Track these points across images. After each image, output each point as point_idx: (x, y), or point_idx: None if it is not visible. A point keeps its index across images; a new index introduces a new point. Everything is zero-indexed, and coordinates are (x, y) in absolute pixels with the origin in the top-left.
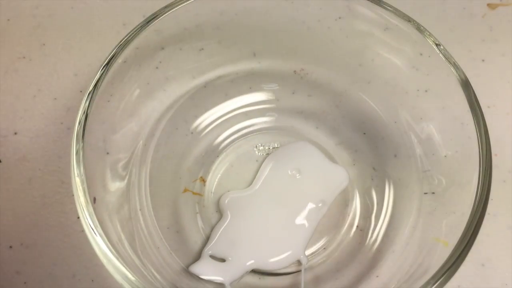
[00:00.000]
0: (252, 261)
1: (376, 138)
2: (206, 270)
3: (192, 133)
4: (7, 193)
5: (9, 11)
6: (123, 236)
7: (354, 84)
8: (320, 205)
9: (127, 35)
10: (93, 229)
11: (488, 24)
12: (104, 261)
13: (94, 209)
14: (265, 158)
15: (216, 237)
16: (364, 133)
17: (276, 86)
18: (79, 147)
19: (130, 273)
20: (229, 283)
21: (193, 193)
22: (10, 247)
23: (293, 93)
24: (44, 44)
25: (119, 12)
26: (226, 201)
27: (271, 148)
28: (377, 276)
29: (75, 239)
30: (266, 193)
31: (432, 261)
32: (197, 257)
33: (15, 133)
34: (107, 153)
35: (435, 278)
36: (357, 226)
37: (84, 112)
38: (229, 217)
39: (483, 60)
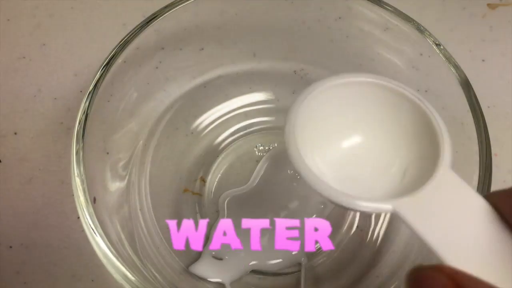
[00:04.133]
0: (252, 262)
1: None
2: (206, 270)
3: (192, 133)
4: (7, 193)
5: (9, 11)
6: (123, 236)
7: None
8: (321, 206)
9: (127, 35)
10: (93, 229)
11: (488, 24)
12: (104, 261)
13: (94, 209)
14: None
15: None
16: None
17: (276, 86)
18: (79, 147)
19: (130, 273)
20: (229, 283)
21: (193, 193)
22: (10, 247)
23: (293, 93)
24: (44, 44)
25: (119, 12)
26: (225, 200)
27: (271, 148)
28: (377, 276)
29: (75, 239)
30: (265, 192)
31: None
32: (197, 257)
33: (15, 133)
34: (107, 153)
35: None
36: (357, 226)
37: (84, 112)
38: (228, 216)
39: (483, 60)
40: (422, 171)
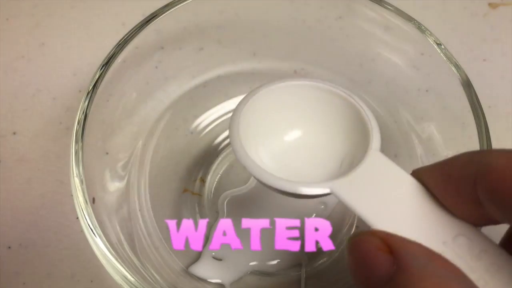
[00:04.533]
0: (252, 262)
1: None
2: (206, 270)
3: (192, 133)
4: (6, 193)
5: (8, 10)
6: (122, 237)
7: (355, 84)
8: (322, 207)
9: (126, 34)
10: (92, 230)
11: (489, 24)
12: (103, 261)
13: (93, 209)
14: None
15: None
16: None
17: None
18: (78, 147)
19: (129, 273)
20: (229, 284)
21: (193, 193)
22: (9, 247)
23: None
24: (43, 44)
25: (119, 11)
26: (224, 201)
27: None
28: None
29: (74, 239)
30: (264, 192)
31: None
32: (197, 257)
33: (14, 133)
34: (106, 153)
35: None
36: (357, 226)
37: (83, 112)
38: (227, 216)
39: (484, 60)
40: (356, 159)
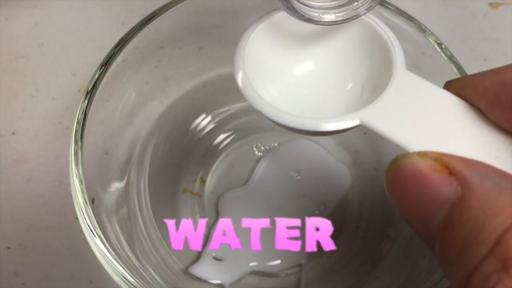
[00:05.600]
0: (252, 263)
1: (376, 138)
2: (205, 271)
3: (191, 133)
4: (5, 194)
5: (7, 9)
6: (122, 237)
7: None
8: (322, 207)
9: (126, 34)
10: (91, 230)
11: (490, 23)
12: (103, 262)
13: (93, 209)
14: None
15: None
16: (365, 133)
17: None
18: (77, 147)
19: (129, 274)
20: (229, 284)
21: (193, 193)
22: (8, 248)
23: None
24: (42, 43)
25: (118, 11)
26: (223, 201)
27: (271, 148)
28: (378, 277)
29: (74, 240)
30: (264, 192)
31: (434, 261)
32: (197, 258)
33: (13, 133)
34: (106, 153)
35: (437, 278)
36: (357, 227)
37: (82, 112)
38: (227, 216)
39: (485, 60)
40: (380, 82)
